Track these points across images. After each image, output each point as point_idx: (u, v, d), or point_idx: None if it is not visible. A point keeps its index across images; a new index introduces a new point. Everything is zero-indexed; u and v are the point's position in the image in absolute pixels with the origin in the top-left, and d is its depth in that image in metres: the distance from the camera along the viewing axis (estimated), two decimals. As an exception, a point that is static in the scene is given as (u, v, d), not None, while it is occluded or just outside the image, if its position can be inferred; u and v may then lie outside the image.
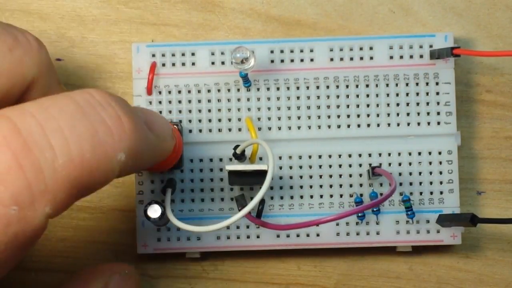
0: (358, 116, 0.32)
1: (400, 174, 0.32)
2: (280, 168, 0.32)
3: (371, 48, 0.32)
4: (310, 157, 0.32)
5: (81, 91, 0.24)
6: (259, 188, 0.28)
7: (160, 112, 0.32)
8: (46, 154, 0.22)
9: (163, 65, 0.32)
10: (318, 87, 0.32)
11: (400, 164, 0.32)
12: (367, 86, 0.32)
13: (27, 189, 0.21)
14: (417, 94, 0.32)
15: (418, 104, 0.32)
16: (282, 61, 0.32)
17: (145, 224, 0.32)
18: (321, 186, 0.32)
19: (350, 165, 0.32)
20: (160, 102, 0.32)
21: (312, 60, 0.32)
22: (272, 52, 0.32)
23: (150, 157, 0.27)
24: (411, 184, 0.32)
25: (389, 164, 0.32)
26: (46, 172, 0.22)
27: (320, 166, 0.32)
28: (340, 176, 0.32)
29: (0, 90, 0.25)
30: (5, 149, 0.21)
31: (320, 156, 0.32)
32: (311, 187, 0.32)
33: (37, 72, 0.26)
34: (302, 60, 0.32)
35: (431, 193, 0.32)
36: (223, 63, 0.32)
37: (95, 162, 0.23)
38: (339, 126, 0.32)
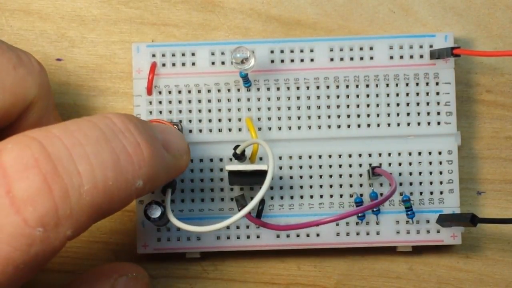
0: (358, 116, 0.32)
1: (400, 174, 0.32)
2: (280, 168, 0.32)
3: (371, 48, 0.32)
4: (310, 157, 0.32)
5: (101, 116, 0.24)
6: (259, 188, 0.28)
7: (160, 112, 0.32)
8: (74, 179, 0.22)
9: (163, 65, 0.32)
10: (318, 87, 0.32)
11: (400, 164, 0.32)
12: (367, 86, 0.32)
13: (54, 212, 0.22)
14: (417, 94, 0.32)
15: (418, 104, 0.32)
16: (282, 61, 0.32)
17: (145, 224, 0.32)
18: (321, 186, 0.32)
19: (350, 165, 0.32)
20: (160, 102, 0.32)
21: (312, 60, 0.32)
22: (272, 52, 0.32)
23: (166, 177, 0.27)
24: (411, 184, 0.32)
25: (389, 164, 0.32)
26: (72, 197, 0.22)
27: (320, 166, 0.32)
28: (340, 176, 0.32)
29: (3, 105, 0.25)
30: (36, 171, 0.22)
31: (320, 156, 0.32)
32: (311, 187, 0.32)
33: (37, 93, 0.27)
34: (302, 60, 0.32)
35: (431, 193, 0.32)
36: (223, 63, 0.32)
37: (116, 189, 0.23)
38: (339, 126, 0.32)
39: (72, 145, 0.22)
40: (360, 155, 0.32)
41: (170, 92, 0.32)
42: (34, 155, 0.22)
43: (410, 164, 0.32)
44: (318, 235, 0.32)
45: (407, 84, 0.32)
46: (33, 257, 0.22)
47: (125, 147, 0.24)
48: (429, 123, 0.32)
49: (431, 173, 0.32)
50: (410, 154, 0.32)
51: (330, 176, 0.32)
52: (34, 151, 0.22)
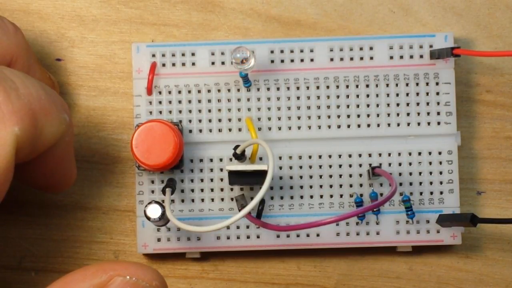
0: (358, 116, 0.32)
1: (400, 174, 0.32)
2: (280, 168, 0.32)
3: (371, 48, 0.32)
4: (310, 157, 0.32)
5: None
6: (259, 188, 0.28)
7: (160, 112, 0.32)
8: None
9: (163, 65, 0.32)
10: (318, 87, 0.32)
11: (400, 164, 0.32)
12: (367, 86, 0.32)
13: None
14: (417, 94, 0.32)
15: (418, 104, 0.32)
16: (282, 61, 0.32)
17: (145, 224, 0.32)
18: (321, 186, 0.32)
19: (350, 165, 0.32)
20: (160, 102, 0.32)
21: (312, 60, 0.32)
22: (272, 52, 0.32)
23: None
24: (411, 184, 0.32)
25: (389, 164, 0.32)
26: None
27: (320, 166, 0.32)
28: (340, 176, 0.32)
29: None
30: None
31: (320, 156, 0.32)
32: (311, 187, 0.32)
33: (16, 52, 0.27)
34: (302, 60, 0.32)
35: (431, 193, 0.32)
36: (223, 63, 0.32)
37: None
38: (339, 126, 0.32)
39: None
40: (360, 155, 0.32)
41: (170, 92, 0.32)
42: None
43: (410, 164, 0.32)
44: (318, 235, 0.32)
45: (407, 84, 0.32)
46: None
47: None
48: (429, 123, 0.32)
49: (431, 173, 0.32)
50: (410, 154, 0.32)
51: (330, 176, 0.32)
52: None
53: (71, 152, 0.29)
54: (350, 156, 0.32)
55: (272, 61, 0.32)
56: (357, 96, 0.32)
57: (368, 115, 0.32)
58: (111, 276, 0.24)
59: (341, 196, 0.32)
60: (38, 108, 0.25)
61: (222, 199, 0.32)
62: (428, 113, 0.32)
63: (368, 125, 0.32)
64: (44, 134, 0.25)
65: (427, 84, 0.32)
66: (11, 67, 0.27)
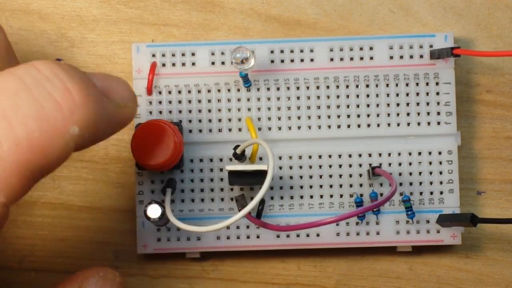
0: (358, 116, 0.32)
1: (400, 174, 0.32)
2: (280, 168, 0.32)
3: (371, 48, 0.32)
4: (310, 157, 0.32)
5: (25, 65, 0.22)
6: (259, 188, 0.28)
7: (160, 112, 0.32)
8: None
9: (163, 65, 0.32)
10: (318, 87, 0.32)
11: (400, 164, 0.32)
12: (367, 86, 0.32)
13: None
14: (417, 94, 0.32)
15: (418, 104, 0.32)
16: (282, 61, 0.32)
17: (145, 224, 0.32)
18: (321, 186, 0.32)
19: (350, 165, 0.32)
20: (160, 102, 0.32)
21: (312, 60, 0.32)
22: (272, 52, 0.32)
23: (110, 126, 0.25)
24: (411, 184, 0.32)
25: (389, 164, 0.32)
26: None
27: (320, 166, 0.32)
28: (340, 176, 0.32)
29: None
30: None
31: (320, 156, 0.32)
32: (311, 187, 0.32)
33: None
34: (302, 60, 0.32)
35: (431, 193, 0.32)
36: (223, 63, 0.32)
37: (45, 140, 0.21)
38: (339, 126, 0.32)
39: None
40: (360, 155, 0.32)
41: (170, 92, 0.32)
42: None
43: (410, 164, 0.32)
44: (318, 235, 0.32)
45: (407, 84, 0.32)
46: None
47: (50, 94, 0.22)
48: (429, 123, 0.32)
49: (431, 173, 0.32)
50: (410, 154, 0.32)
51: (330, 176, 0.32)
52: None
53: None
54: (350, 156, 0.32)
55: (272, 61, 0.32)
56: (357, 96, 0.32)
57: (368, 115, 0.32)
58: (81, 281, 0.26)
59: (341, 196, 0.32)
60: (29, 153, 0.22)
61: (222, 199, 0.32)
62: (428, 113, 0.32)
63: (368, 125, 0.32)
64: None
65: (427, 84, 0.32)
66: None
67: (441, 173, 0.32)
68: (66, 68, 0.23)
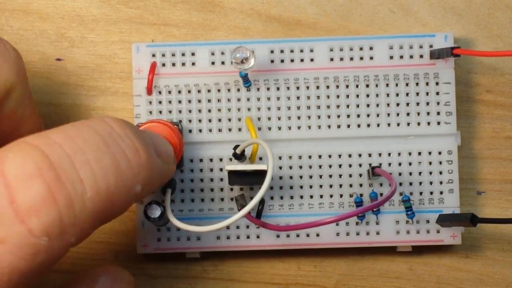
0: (358, 116, 0.32)
1: (400, 174, 0.32)
2: (280, 168, 0.32)
3: (371, 48, 0.32)
4: (310, 157, 0.32)
5: (99, 120, 0.24)
6: (259, 188, 0.28)
7: (160, 112, 0.32)
8: (77, 187, 0.22)
9: (163, 65, 0.32)
10: (318, 87, 0.32)
11: (400, 164, 0.32)
12: (367, 86, 0.32)
13: (58, 221, 0.22)
14: (417, 94, 0.32)
15: (418, 104, 0.32)
16: (282, 61, 0.32)
17: (145, 224, 0.32)
18: (321, 186, 0.32)
19: (350, 165, 0.32)
20: (160, 102, 0.32)
21: (312, 60, 0.32)
22: (272, 52, 0.32)
23: (159, 182, 0.27)
24: (411, 184, 0.32)
25: (389, 164, 0.32)
26: (76, 205, 0.22)
27: (320, 166, 0.32)
28: (340, 176, 0.32)
29: None
30: (40, 181, 0.22)
31: (320, 156, 0.32)
32: (311, 187, 0.32)
33: (15, 80, 0.26)
34: (302, 60, 0.32)
35: (431, 193, 0.32)
36: (223, 63, 0.32)
37: (117, 194, 0.23)
38: (339, 126, 0.32)
39: (74, 152, 0.22)
40: (360, 155, 0.32)
41: (170, 92, 0.32)
42: (37, 164, 0.22)
43: (410, 164, 0.32)
44: (318, 235, 0.32)
45: (407, 84, 0.32)
46: (38, 266, 0.22)
47: (124, 152, 0.24)
48: (429, 123, 0.32)
49: (431, 173, 0.32)
50: (410, 154, 0.32)
51: (330, 176, 0.32)
52: (36, 160, 0.22)
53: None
54: (350, 156, 0.32)
55: (272, 61, 0.32)
56: (357, 96, 0.32)
57: (368, 115, 0.32)
58: (92, 280, 0.27)
59: (341, 196, 0.32)
60: (104, 204, 0.24)
61: (222, 199, 0.32)
62: (428, 113, 0.32)
63: (368, 125, 0.32)
64: None
65: (427, 84, 0.32)
66: (8, 95, 0.26)
67: (441, 173, 0.32)
68: (132, 127, 0.25)
